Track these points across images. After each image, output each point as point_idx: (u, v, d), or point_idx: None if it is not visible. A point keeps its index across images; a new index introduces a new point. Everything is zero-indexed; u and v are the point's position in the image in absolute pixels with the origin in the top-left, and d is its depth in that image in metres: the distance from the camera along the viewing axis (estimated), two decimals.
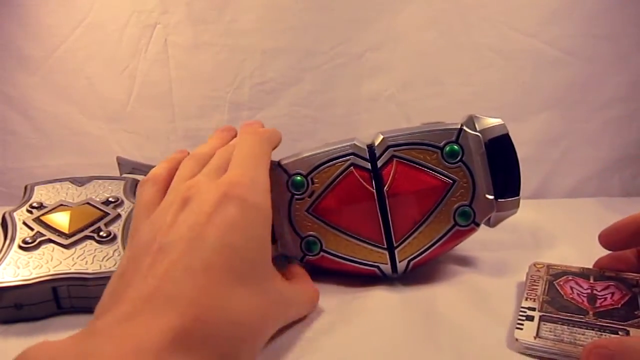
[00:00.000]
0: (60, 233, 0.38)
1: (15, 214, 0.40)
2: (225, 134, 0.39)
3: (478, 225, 0.40)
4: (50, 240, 0.38)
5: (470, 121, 0.40)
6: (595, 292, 0.34)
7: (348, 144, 0.39)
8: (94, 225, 0.40)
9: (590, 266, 0.38)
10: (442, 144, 0.39)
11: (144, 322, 0.22)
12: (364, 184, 0.38)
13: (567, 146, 0.62)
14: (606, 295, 0.34)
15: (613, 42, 0.59)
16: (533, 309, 0.33)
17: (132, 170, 0.44)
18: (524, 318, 0.32)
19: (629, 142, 0.62)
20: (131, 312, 0.23)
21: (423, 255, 0.39)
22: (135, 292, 0.24)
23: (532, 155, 0.61)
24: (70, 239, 0.38)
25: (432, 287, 0.39)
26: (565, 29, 0.59)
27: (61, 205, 0.41)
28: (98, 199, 0.43)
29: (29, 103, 0.61)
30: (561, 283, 0.36)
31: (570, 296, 0.34)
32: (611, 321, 0.31)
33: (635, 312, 0.32)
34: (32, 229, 0.39)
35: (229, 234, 0.27)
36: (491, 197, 0.39)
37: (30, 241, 0.37)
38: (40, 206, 0.41)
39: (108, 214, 0.41)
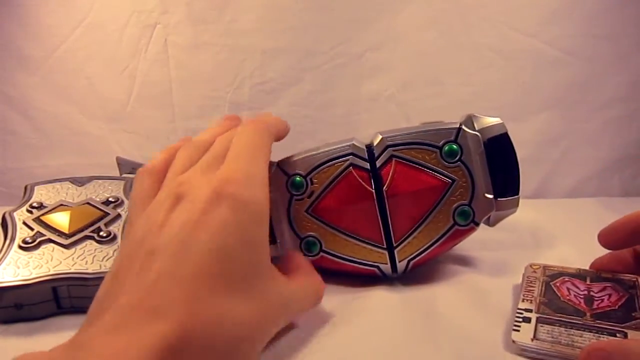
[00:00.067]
0: (60, 233, 0.39)
1: (15, 214, 0.40)
2: (228, 122, 0.37)
3: (477, 224, 0.40)
4: (50, 240, 0.38)
5: (469, 120, 0.40)
6: (592, 293, 0.34)
7: (347, 144, 0.39)
8: (94, 225, 0.40)
9: (588, 267, 0.38)
10: (441, 144, 0.39)
11: (130, 334, 0.21)
12: (363, 184, 0.38)
13: (567, 146, 0.62)
14: (603, 297, 0.34)
15: (613, 42, 0.59)
16: (530, 311, 0.32)
17: (132, 170, 0.44)
18: (520, 320, 0.32)
19: (629, 142, 0.62)
20: (118, 324, 0.22)
21: (423, 255, 0.39)
22: (123, 301, 0.23)
23: (532, 155, 0.61)
24: (70, 239, 0.38)
25: (432, 287, 0.39)
26: (565, 29, 0.59)
27: (61, 205, 0.41)
28: (98, 199, 0.43)
29: (29, 103, 0.61)
30: (558, 284, 0.35)
31: (567, 297, 0.34)
32: (609, 323, 0.31)
33: (633, 314, 0.31)
34: (32, 229, 0.39)
35: (220, 237, 0.25)
36: (490, 196, 0.39)
37: (30, 241, 0.37)
38: (40, 206, 0.41)
39: (108, 214, 0.41)
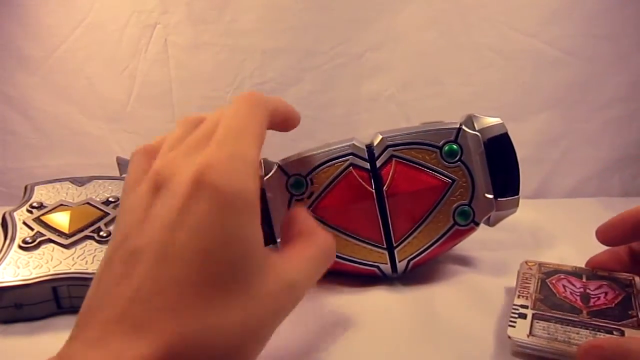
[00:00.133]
0: (60, 233, 0.39)
1: (15, 213, 0.40)
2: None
3: (477, 224, 0.40)
4: (50, 240, 0.38)
5: (469, 120, 0.40)
6: (588, 291, 0.34)
7: (347, 144, 0.39)
8: (94, 225, 0.40)
9: (584, 265, 0.38)
10: (441, 144, 0.39)
11: (112, 351, 0.20)
12: (363, 184, 0.38)
13: (567, 146, 0.62)
14: (599, 295, 0.33)
15: (613, 42, 0.59)
16: (526, 307, 0.32)
17: None
18: (516, 316, 0.31)
19: (629, 142, 0.62)
20: (100, 338, 0.21)
21: (423, 254, 0.39)
22: (106, 313, 0.22)
23: (532, 155, 0.61)
24: (71, 239, 0.38)
25: (432, 287, 0.39)
26: (565, 29, 0.59)
27: (61, 205, 0.41)
28: (98, 199, 0.43)
29: (29, 103, 0.61)
30: (553, 281, 0.35)
31: (563, 295, 0.34)
32: (605, 321, 0.31)
33: (630, 312, 0.31)
34: (32, 229, 0.39)
35: (201, 237, 0.22)
36: (490, 196, 0.39)
37: (30, 241, 0.37)
38: (41, 206, 0.41)
39: (108, 214, 0.41)
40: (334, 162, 0.38)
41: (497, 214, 0.40)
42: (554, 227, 0.51)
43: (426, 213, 0.39)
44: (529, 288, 0.35)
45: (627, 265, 0.36)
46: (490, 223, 0.41)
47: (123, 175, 0.45)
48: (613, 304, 0.32)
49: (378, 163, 0.39)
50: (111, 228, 0.40)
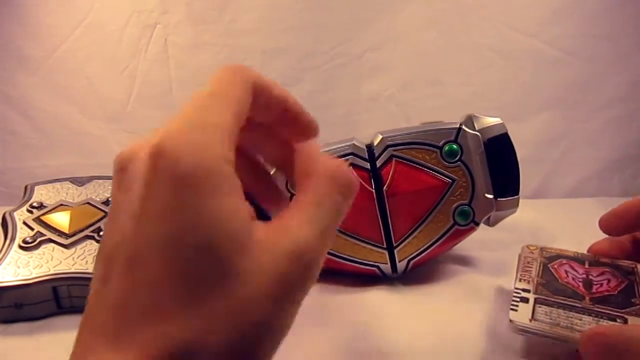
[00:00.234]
0: (60, 233, 0.39)
1: (15, 213, 0.40)
2: None
3: (477, 224, 0.40)
4: (50, 240, 0.38)
5: (469, 120, 0.40)
6: (590, 277, 0.34)
7: (347, 144, 0.39)
8: (94, 225, 0.40)
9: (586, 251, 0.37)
10: (441, 144, 0.39)
11: None
12: (364, 184, 0.38)
13: (567, 146, 0.62)
14: (602, 281, 0.33)
15: (613, 42, 0.59)
16: (528, 291, 0.32)
17: None
18: (518, 299, 0.31)
19: (629, 142, 0.62)
20: (82, 353, 0.19)
21: (423, 254, 0.39)
22: (89, 324, 0.20)
23: (532, 155, 0.61)
24: (71, 239, 0.38)
25: (432, 287, 0.39)
26: (565, 29, 0.59)
27: (61, 205, 0.41)
28: (98, 199, 0.43)
29: (29, 103, 0.61)
30: (555, 266, 0.35)
31: (566, 280, 0.33)
32: (608, 308, 0.30)
33: (633, 300, 0.31)
34: (32, 229, 0.39)
35: (167, 224, 0.19)
36: (490, 196, 0.39)
37: (30, 241, 0.37)
38: (41, 206, 0.41)
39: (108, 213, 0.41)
40: None
41: (497, 214, 0.40)
42: (554, 227, 0.51)
43: (426, 213, 0.39)
44: (530, 272, 0.34)
45: (629, 252, 0.36)
46: (490, 223, 0.41)
47: None
48: (616, 291, 0.32)
49: (378, 163, 0.39)
50: None
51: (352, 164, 0.38)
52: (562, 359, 0.30)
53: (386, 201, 0.38)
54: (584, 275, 0.34)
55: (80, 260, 0.36)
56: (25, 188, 0.44)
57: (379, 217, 0.38)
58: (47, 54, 0.60)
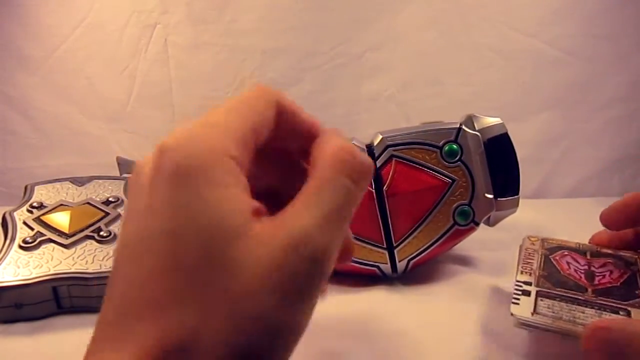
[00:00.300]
0: (60, 233, 0.39)
1: (15, 213, 0.40)
2: None
3: (477, 224, 0.40)
4: (50, 240, 0.38)
5: (469, 120, 0.40)
6: (593, 268, 0.33)
7: None
8: (94, 225, 0.40)
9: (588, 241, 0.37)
10: (441, 144, 0.39)
11: None
12: None
13: (567, 146, 0.62)
14: (604, 273, 0.32)
15: (613, 42, 0.59)
16: (529, 284, 0.31)
17: (132, 170, 0.44)
18: (520, 293, 0.30)
19: (629, 142, 0.62)
20: (92, 352, 0.19)
21: (423, 254, 0.39)
22: (101, 323, 0.19)
23: (532, 155, 0.61)
24: (71, 239, 0.38)
25: (432, 287, 0.39)
26: (565, 29, 0.59)
27: (61, 205, 0.41)
28: (98, 199, 0.43)
29: (29, 103, 0.61)
30: (557, 258, 0.34)
31: (567, 272, 0.32)
32: (611, 300, 0.30)
33: (636, 292, 0.30)
34: (32, 229, 0.39)
35: (165, 218, 0.19)
36: (490, 196, 0.39)
37: (30, 241, 0.37)
38: (41, 206, 0.41)
39: (108, 213, 0.41)
40: None
41: (497, 214, 0.40)
42: (554, 227, 0.51)
43: (426, 213, 0.39)
44: (532, 264, 0.33)
45: (631, 243, 0.36)
46: (490, 223, 0.41)
47: (123, 175, 0.45)
48: (618, 283, 0.31)
49: (378, 163, 0.39)
50: (111, 228, 0.40)
51: None
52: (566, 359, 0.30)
53: (386, 201, 0.38)
54: (586, 267, 0.33)
55: (80, 260, 0.36)
56: (25, 188, 0.44)
57: (379, 217, 0.38)
58: (47, 54, 0.60)
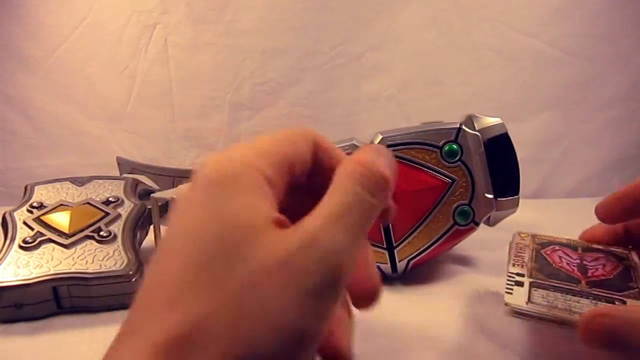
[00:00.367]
0: (60, 233, 0.39)
1: (15, 213, 0.40)
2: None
3: (477, 224, 0.40)
4: (50, 240, 0.38)
5: (469, 120, 0.40)
6: (585, 262, 0.33)
7: (347, 144, 0.39)
8: (94, 225, 0.40)
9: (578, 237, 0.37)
10: (441, 144, 0.39)
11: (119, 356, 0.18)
12: None
13: (567, 146, 0.62)
14: (597, 266, 0.32)
15: (613, 42, 0.59)
16: (522, 275, 0.31)
17: (132, 170, 0.44)
18: (512, 283, 0.30)
19: (629, 142, 0.62)
20: (113, 347, 0.19)
21: (422, 254, 0.39)
22: (128, 317, 0.20)
23: (532, 155, 0.61)
24: (71, 239, 0.38)
25: (432, 287, 0.39)
26: (565, 28, 0.60)
27: (61, 205, 0.41)
28: (98, 199, 0.43)
29: (29, 103, 0.61)
30: (548, 252, 0.34)
31: (560, 265, 0.32)
32: (606, 291, 0.29)
33: (630, 284, 0.30)
34: (32, 229, 0.39)
35: (188, 219, 0.20)
36: (490, 196, 0.39)
37: (30, 241, 0.37)
38: (41, 206, 0.41)
39: (108, 213, 0.41)
40: None
41: (497, 214, 0.40)
42: (554, 227, 0.51)
43: (426, 213, 0.39)
44: (523, 257, 0.33)
45: (622, 239, 0.35)
46: (490, 223, 0.41)
47: (123, 175, 0.45)
48: (612, 276, 0.31)
49: None
50: (111, 228, 0.40)
51: None
52: (566, 359, 0.30)
53: None
54: (578, 261, 0.33)
55: (80, 260, 0.36)
56: (25, 188, 0.44)
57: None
58: (47, 54, 0.60)
